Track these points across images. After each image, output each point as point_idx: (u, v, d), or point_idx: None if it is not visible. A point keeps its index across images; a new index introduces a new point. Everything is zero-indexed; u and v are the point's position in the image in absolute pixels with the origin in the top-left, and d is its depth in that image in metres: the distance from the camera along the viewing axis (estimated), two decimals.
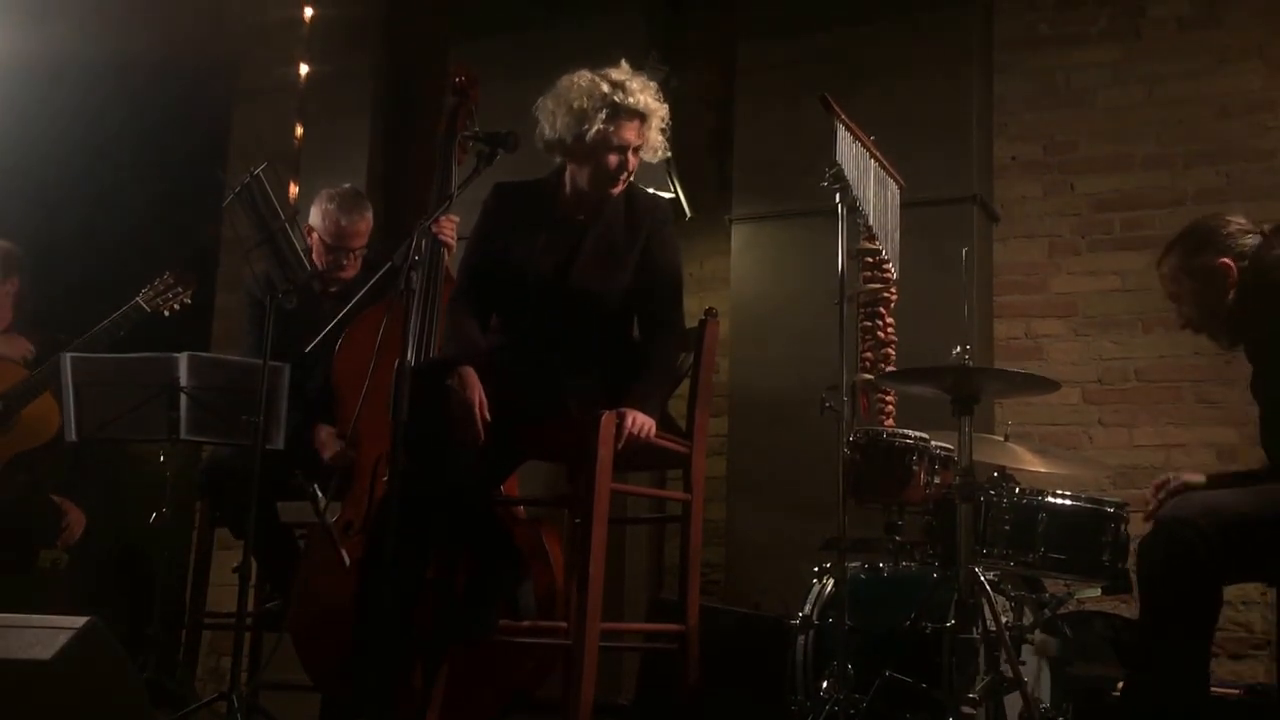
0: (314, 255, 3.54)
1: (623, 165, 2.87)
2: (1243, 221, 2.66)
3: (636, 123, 2.86)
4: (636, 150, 2.89)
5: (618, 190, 2.92)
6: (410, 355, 2.61)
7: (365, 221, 3.53)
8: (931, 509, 2.89)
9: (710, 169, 4.60)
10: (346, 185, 3.62)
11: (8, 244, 3.82)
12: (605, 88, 2.83)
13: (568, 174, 2.95)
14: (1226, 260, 2.60)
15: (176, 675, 3.49)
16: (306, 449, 3.26)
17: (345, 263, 3.50)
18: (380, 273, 2.80)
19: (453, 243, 3.07)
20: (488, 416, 2.70)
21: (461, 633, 2.77)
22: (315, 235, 3.51)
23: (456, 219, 3.01)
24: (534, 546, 3.04)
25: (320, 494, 3.09)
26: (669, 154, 3.07)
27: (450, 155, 2.98)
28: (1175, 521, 2.38)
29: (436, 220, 2.83)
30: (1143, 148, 4.15)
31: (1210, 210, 3.14)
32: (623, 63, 2.92)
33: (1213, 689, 2.55)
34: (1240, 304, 2.59)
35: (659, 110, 2.90)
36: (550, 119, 2.87)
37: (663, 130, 2.92)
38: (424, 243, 2.65)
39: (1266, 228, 2.63)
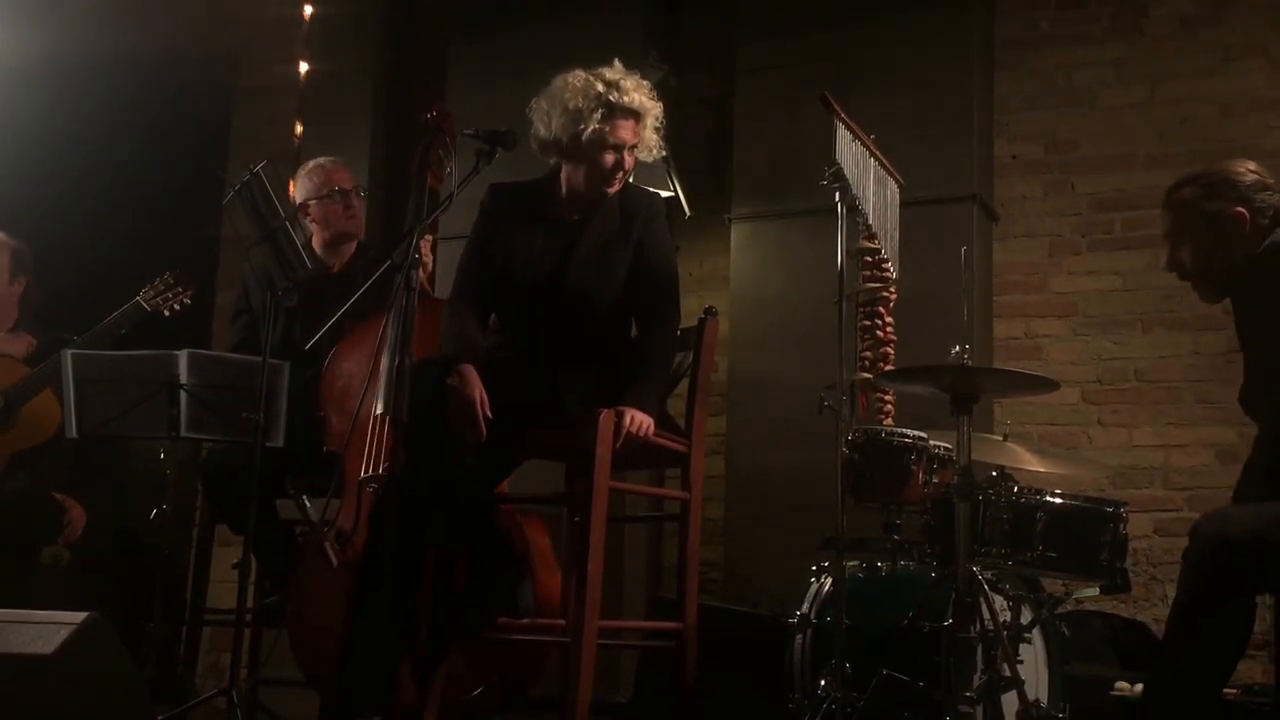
0: (314, 243, 3.56)
1: (619, 164, 2.88)
2: (1256, 171, 2.54)
3: (632, 122, 2.87)
4: (632, 149, 2.90)
5: (614, 189, 2.93)
6: (398, 357, 2.62)
7: (349, 170, 3.62)
8: (930, 508, 2.89)
9: (709, 168, 4.61)
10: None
11: (18, 243, 3.83)
12: (600, 87, 2.84)
13: (563, 174, 2.95)
14: (1242, 210, 2.48)
15: (177, 671, 3.50)
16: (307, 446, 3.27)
17: (354, 205, 3.54)
18: (381, 270, 2.81)
19: (428, 260, 3.11)
20: (489, 413, 2.71)
21: (460, 632, 2.78)
22: (311, 206, 3.53)
23: (431, 238, 3.05)
24: (524, 543, 3.05)
25: (308, 503, 3.11)
26: (664, 152, 3.08)
27: (424, 186, 3.01)
28: (1221, 541, 2.29)
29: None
30: (1144, 147, 4.15)
31: None
32: (616, 62, 2.93)
33: None
34: (1256, 275, 2.44)
35: (654, 109, 2.91)
36: (545, 119, 2.88)
37: (657, 129, 2.93)
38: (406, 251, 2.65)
39: None
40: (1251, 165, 2.56)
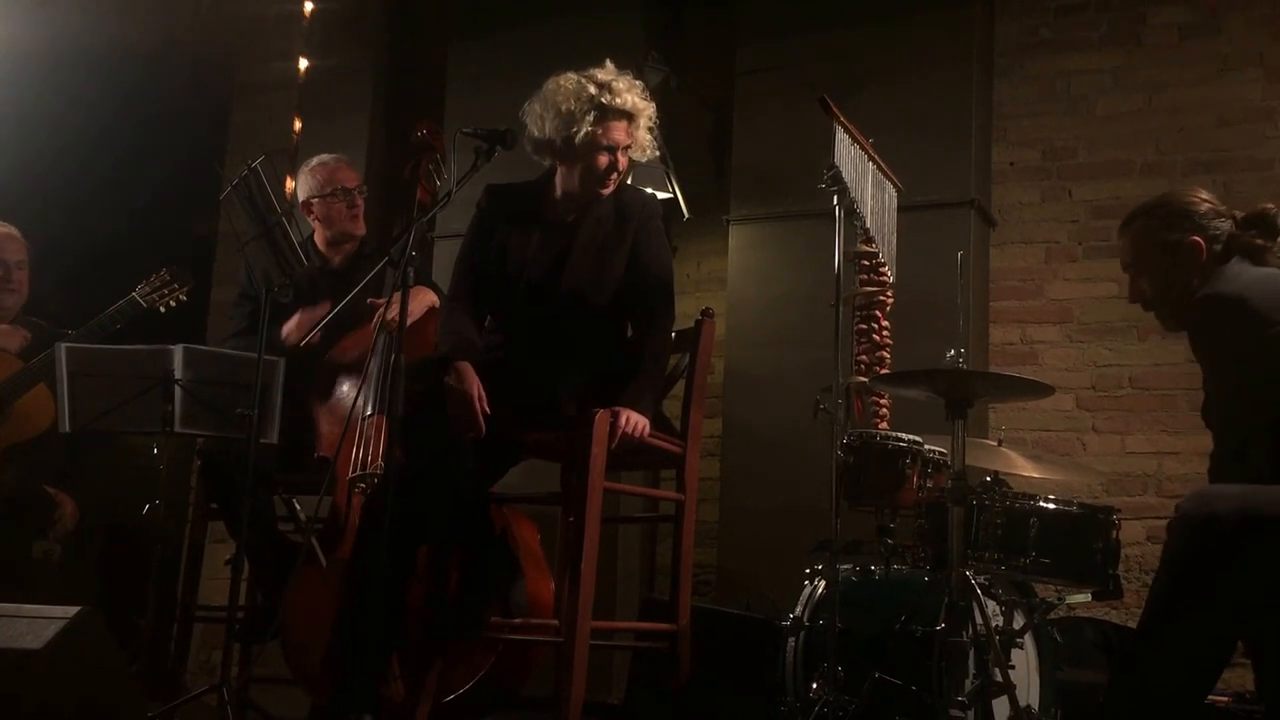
0: (316, 239, 3.55)
1: (612, 165, 2.89)
2: (1211, 200, 2.56)
3: (624, 123, 2.87)
4: (626, 150, 2.90)
5: (608, 190, 2.93)
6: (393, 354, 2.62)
7: (353, 168, 3.61)
8: (923, 512, 2.89)
9: (708, 170, 4.61)
10: None
11: (24, 240, 3.83)
12: (592, 89, 2.83)
13: (558, 175, 2.95)
14: (1198, 239, 2.50)
15: (168, 667, 3.50)
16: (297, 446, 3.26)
17: (357, 204, 3.53)
18: (378, 267, 2.81)
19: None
20: (487, 409, 2.71)
21: (456, 631, 2.78)
22: (314, 204, 3.53)
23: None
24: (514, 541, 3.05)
25: (299, 507, 3.10)
26: (658, 152, 3.08)
27: (413, 202, 3.02)
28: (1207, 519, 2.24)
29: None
30: (1141, 155, 4.16)
31: None
32: (608, 62, 2.92)
33: None
34: (1193, 322, 2.50)
35: (646, 109, 2.91)
36: (538, 122, 2.88)
37: (651, 129, 2.93)
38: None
39: (1238, 215, 2.54)
40: (1204, 193, 2.58)
